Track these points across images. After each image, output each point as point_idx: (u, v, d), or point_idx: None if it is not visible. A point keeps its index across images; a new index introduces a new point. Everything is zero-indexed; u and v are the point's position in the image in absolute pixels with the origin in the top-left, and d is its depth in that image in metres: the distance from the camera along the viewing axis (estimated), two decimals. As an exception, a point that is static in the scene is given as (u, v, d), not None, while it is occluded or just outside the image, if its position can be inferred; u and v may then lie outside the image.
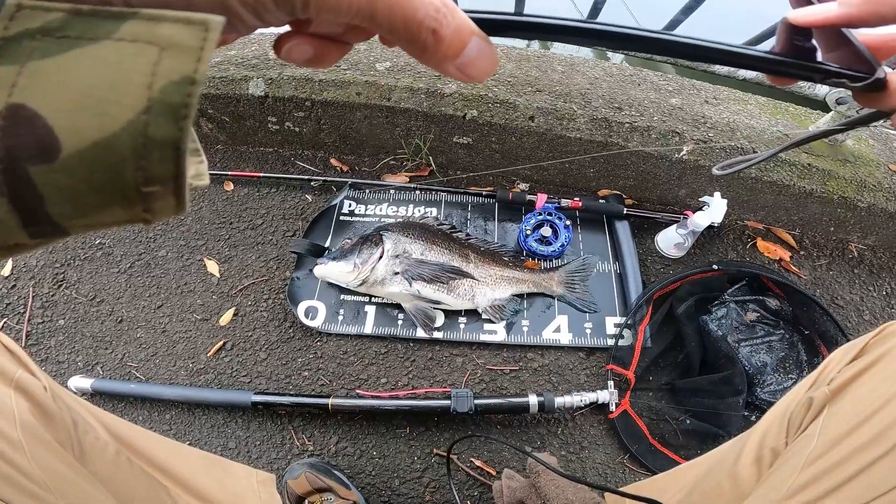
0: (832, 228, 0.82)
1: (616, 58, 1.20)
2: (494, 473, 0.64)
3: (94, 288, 0.84)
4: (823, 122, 0.80)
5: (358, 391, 0.69)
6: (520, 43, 0.95)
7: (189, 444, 0.66)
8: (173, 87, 0.11)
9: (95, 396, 0.75)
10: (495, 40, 0.17)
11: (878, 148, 0.83)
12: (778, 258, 0.79)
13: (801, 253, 0.82)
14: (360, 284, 0.70)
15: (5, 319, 0.86)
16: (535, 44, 1.07)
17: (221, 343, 0.75)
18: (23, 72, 0.11)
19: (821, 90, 0.75)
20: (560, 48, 1.22)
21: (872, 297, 0.81)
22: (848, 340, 0.64)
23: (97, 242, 0.89)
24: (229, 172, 0.85)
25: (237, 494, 0.52)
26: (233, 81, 0.85)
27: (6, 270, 0.93)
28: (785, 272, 0.79)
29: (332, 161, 0.86)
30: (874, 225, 0.81)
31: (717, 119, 0.79)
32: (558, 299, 0.73)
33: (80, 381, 0.72)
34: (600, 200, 0.79)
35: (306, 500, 0.62)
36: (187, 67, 0.11)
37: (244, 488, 0.54)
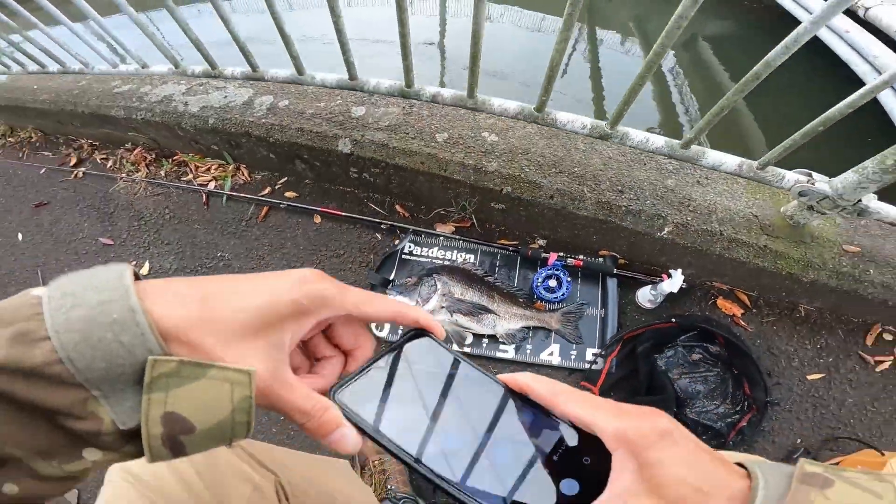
0: (784, 294, 1.19)
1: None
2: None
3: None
4: (791, 206, 1.15)
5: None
6: (564, 116, 1.31)
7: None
8: (242, 400, 0.24)
9: None
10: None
11: (842, 227, 1.16)
12: (731, 314, 1.18)
13: (753, 311, 1.19)
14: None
15: None
16: (566, 119, 1.41)
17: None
18: (168, 395, 0.22)
19: (787, 181, 1.10)
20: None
21: (806, 348, 1.18)
22: (761, 381, 1.06)
23: (219, 255, 1.37)
24: (319, 208, 1.28)
25: (352, 482, 0.76)
26: (326, 138, 1.25)
27: (144, 270, 1.43)
28: (734, 326, 1.19)
29: (397, 207, 1.27)
30: (819, 294, 1.17)
31: (701, 201, 1.14)
32: (555, 332, 1.14)
33: None
34: (599, 259, 1.18)
35: (371, 461, 1.10)
36: (245, 392, 0.24)
37: (352, 476, 0.80)
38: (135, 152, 1.69)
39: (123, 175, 1.64)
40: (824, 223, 1.11)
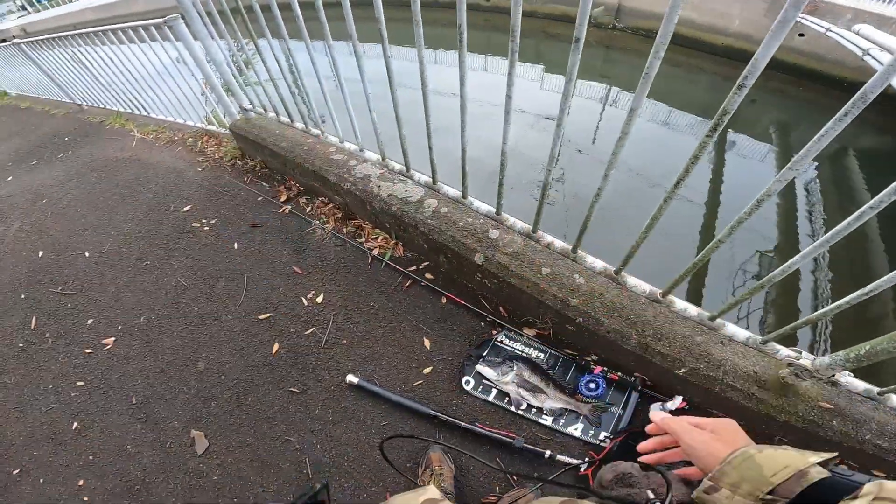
0: (762, 425, 1.67)
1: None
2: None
3: (366, 330, 2.10)
4: (785, 371, 1.66)
5: (476, 423, 1.82)
6: (632, 280, 1.94)
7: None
8: None
9: (356, 388, 1.97)
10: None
11: (826, 390, 1.63)
12: None
13: None
14: (496, 380, 1.83)
15: (314, 328, 2.17)
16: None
17: (420, 383, 1.94)
18: None
19: (781, 354, 1.63)
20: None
21: None
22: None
23: (371, 304, 2.15)
24: (447, 293, 2.03)
25: None
26: (468, 248, 1.97)
27: (320, 298, 2.25)
28: None
29: (500, 308, 1.98)
30: (790, 431, 1.64)
31: (717, 356, 1.66)
32: (583, 416, 1.76)
33: (352, 378, 1.96)
34: (631, 378, 1.78)
35: (434, 465, 1.76)
36: None
37: None
38: (328, 206, 2.58)
39: (317, 222, 2.53)
40: (811, 385, 1.62)
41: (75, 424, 2.09)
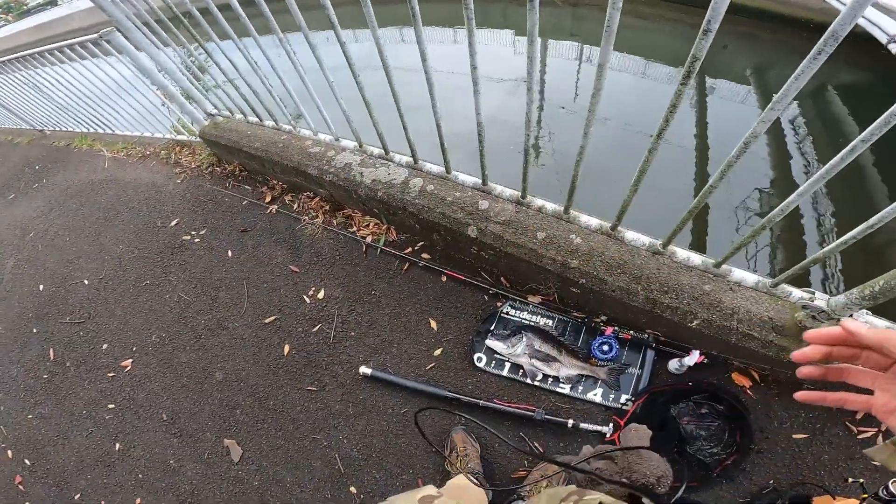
0: (788, 374, 1.69)
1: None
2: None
3: (371, 319, 2.11)
4: (801, 314, 1.65)
5: (494, 400, 1.84)
6: (630, 235, 1.90)
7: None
8: None
9: (370, 379, 2.00)
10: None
11: None
12: (742, 385, 1.70)
13: (762, 384, 1.68)
14: (507, 354, 1.84)
15: (320, 325, 2.19)
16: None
17: (432, 365, 1.95)
18: None
19: (794, 297, 1.62)
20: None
21: (799, 415, 1.61)
22: (751, 433, 1.58)
23: (372, 293, 2.15)
24: (446, 271, 2.02)
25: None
26: (459, 223, 1.96)
27: (321, 294, 2.26)
28: (743, 395, 1.71)
29: (502, 278, 1.96)
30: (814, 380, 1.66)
31: (728, 304, 1.67)
32: (601, 381, 1.77)
33: (365, 369, 1.98)
34: (644, 335, 1.78)
35: (458, 446, 1.79)
36: None
37: None
38: (314, 200, 2.55)
39: (306, 218, 2.50)
40: (829, 326, 1.62)
41: (118, 446, 2.23)
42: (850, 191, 4.78)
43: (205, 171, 3.12)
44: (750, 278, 1.64)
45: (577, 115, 6.12)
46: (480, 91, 1.50)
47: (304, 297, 2.26)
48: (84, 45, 2.73)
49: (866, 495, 1.17)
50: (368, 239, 2.30)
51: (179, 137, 3.40)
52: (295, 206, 2.61)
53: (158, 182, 3.26)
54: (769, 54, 7.83)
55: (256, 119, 2.72)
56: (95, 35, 2.48)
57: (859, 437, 1.59)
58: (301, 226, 2.51)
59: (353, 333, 2.08)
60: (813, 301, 1.48)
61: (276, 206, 2.66)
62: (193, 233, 2.79)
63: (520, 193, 1.89)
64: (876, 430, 1.59)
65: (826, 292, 1.52)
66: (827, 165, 0.99)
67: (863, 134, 0.87)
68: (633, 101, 6.37)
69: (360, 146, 2.27)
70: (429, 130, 1.82)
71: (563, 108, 6.36)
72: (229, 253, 2.60)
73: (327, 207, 2.50)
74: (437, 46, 9.34)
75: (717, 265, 1.64)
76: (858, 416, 1.62)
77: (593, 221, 1.82)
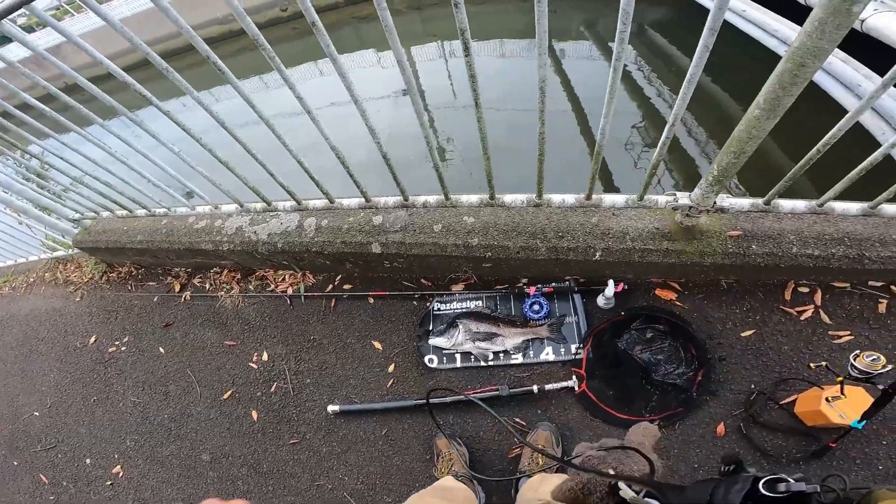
0: (701, 275, 1.89)
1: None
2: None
3: (320, 362, 2.20)
4: (678, 216, 1.83)
5: (460, 390, 1.98)
6: (508, 198, 2.04)
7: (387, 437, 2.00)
8: None
9: (342, 414, 2.11)
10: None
11: (724, 219, 1.84)
12: (669, 299, 1.89)
13: (685, 293, 1.88)
14: (452, 346, 1.97)
15: (276, 383, 2.27)
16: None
17: (392, 382, 2.07)
18: None
19: (661, 203, 1.80)
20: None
21: (735, 313, 1.82)
22: (702, 343, 1.77)
23: (312, 338, 2.24)
24: (370, 293, 2.13)
25: None
26: (361, 244, 2.06)
27: (265, 357, 2.33)
28: (673, 307, 1.90)
29: (422, 280, 2.09)
30: (725, 271, 1.86)
31: (616, 228, 1.81)
32: (546, 339, 1.93)
33: (333, 407, 2.08)
34: (564, 283, 1.95)
35: (443, 452, 1.91)
36: None
37: None
38: (223, 273, 2.59)
39: (222, 293, 2.55)
40: (710, 220, 1.80)
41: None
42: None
43: (99, 281, 3.09)
44: (619, 199, 1.82)
45: (453, 109, 7.13)
46: (317, 119, 1.61)
47: (250, 364, 2.34)
48: None
49: (841, 378, 1.35)
50: (289, 291, 2.37)
51: (57, 254, 3.32)
52: (207, 286, 2.64)
53: (57, 306, 3.20)
54: (591, 6, 8.91)
55: (125, 212, 2.71)
56: None
57: (801, 318, 1.76)
58: (220, 302, 2.55)
59: (308, 380, 2.18)
60: (678, 200, 1.66)
61: (188, 293, 2.68)
62: (117, 343, 2.80)
63: (402, 198, 1.99)
64: (811, 306, 1.77)
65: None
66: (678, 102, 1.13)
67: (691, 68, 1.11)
68: (502, 82, 7.21)
69: (242, 206, 2.32)
70: (295, 170, 1.89)
71: (434, 108, 7.35)
72: (161, 350, 2.62)
73: (238, 276, 2.55)
74: (306, 83, 9.85)
75: (588, 197, 1.81)
76: (788, 298, 1.79)
77: (474, 198, 1.96)
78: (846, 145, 1.42)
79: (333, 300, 2.28)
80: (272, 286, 2.44)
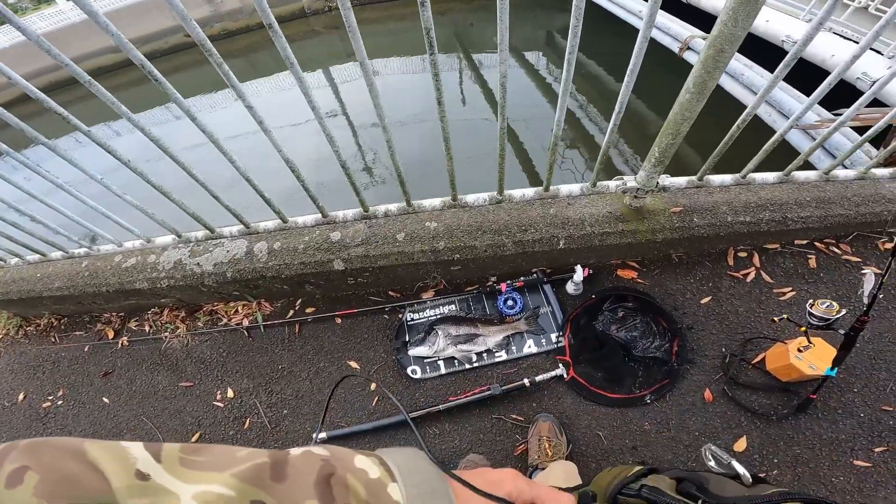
0: (655, 252, 2.04)
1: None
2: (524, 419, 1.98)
3: (294, 390, 2.14)
4: (627, 199, 1.96)
5: (450, 398, 2.01)
6: (471, 198, 2.07)
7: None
8: None
9: (331, 440, 2.06)
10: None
11: (666, 197, 2.00)
12: (630, 277, 2.03)
13: (644, 270, 2.03)
14: (434, 353, 1.99)
15: (249, 419, 2.18)
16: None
17: (376, 400, 2.05)
18: None
19: (611, 187, 1.92)
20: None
21: (690, 283, 2.01)
22: (670, 315, 1.92)
23: (280, 367, 2.16)
24: (336, 313, 2.08)
25: None
26: (323, 263, 2.01)
27: (230, 393, 2.22)
28: (635, 284, 2.04)
29: (390, 292, 2.08)
30: (675, 245, 2.02)
31: (574, 216, 1.91)
32: (526, 333, 2.00)
33: (321, 434, 2.04)
34: (532, 275, 2.02)
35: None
36: None
37: None
38: (164, 314, 2.43)
39: (167, 334, 2.39)
40: (654, 199, 1.95)
41: None
42: (609, 104, 7.10)
43: (16, 336, 2.79)
44: (574, 189, 1.94)
45: (400, 125, 7.85)
46: (270, 129, 1.54)
47: (214, 403, 2.22)
48: None
49: (804, 328, 1.49)
50: (245, 322, 2.27)
51: (-42, 313, 2.96)
52: (147, 329, 2.47)
53: (-31, 372, 2.86)
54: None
55: (37, 256, 2.46)
56: None
57: (747, 280, 1.97)
58: (166, 344, 2.39)
59: (285, 411, 2.11)
60: (627, 184, 1.79)
61: (125, 338, 2.49)
62: (51, 398, 2.55)
63: (362, 210, 1.97)
64: (752, 268, 1.99)
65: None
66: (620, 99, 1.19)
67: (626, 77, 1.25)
68: (419, 97, 8.35)
69: (180, 236, 2.18)
70: (252, 195, 1.80)
71: (374, 125, 7.70)
72: (105, 400, 2.42)
73: (183, 314, 2.40)
74: (211, 113, 10.16)
75: (546, 188, 1.90)
76: (731, 263, 2.00)
77: (436, 202, 1.98)
78: (751, 128, 1.64)
79: (297, 326, 2.22)
80: (224, 320, 2.32)
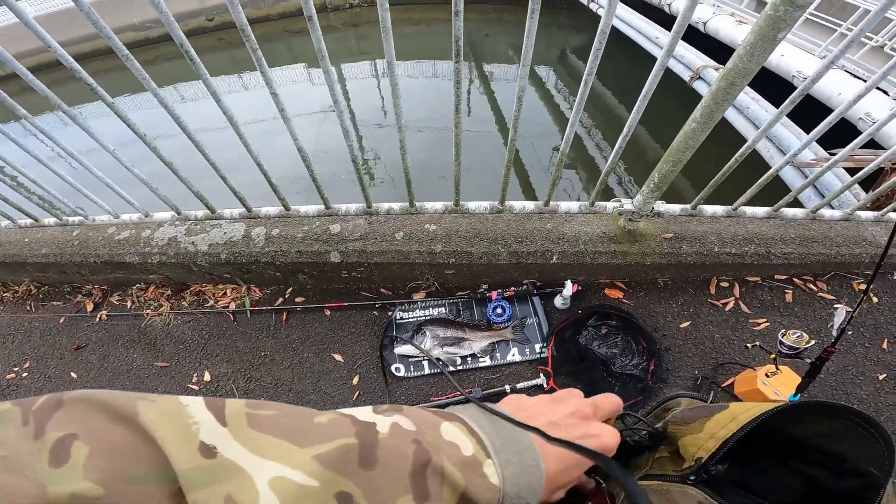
0: (642, 275, 2.15)
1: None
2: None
3: (274, 378, 2.17)
4: (622, 221, 2.09)
5: (431, 398, 2.06)
6: (472, 205, 2.17)
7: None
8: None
9: None
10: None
11: (659, 223, 2.12)
12: (617, 297, 2.14)
13: (630, 291, 2.15)
14: (420, 353, 2.05)
15: None
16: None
17: (357, 394, 2.09)
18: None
19: (609, 209, 2.04)
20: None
21: (672, 307, 2.13)
22: (650, 336, 2.02)
23: (262, 354, 2.20)
24: (326, 305, 2.14)
25: None
26: (320, 254, 2.08)
27: (207, 377, 2.24)
28: (621, 304, 2.15)
29: (382, 289, 2.15)
30: (662, 270, 2.14)
31: (569, 233, 2.03)
32: (510, 341, 2.08)
33: None
34: (523, 286, 2.12)
35: None
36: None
37: None
38: (150, 290, 2.45)
39: (149, 311, 2.41)
40: (647, 224, 2.07)
41: None
42: (609, 124, 7.48)
43: (-12, 302, 2.77)
44: (573, 206, 2.05)
45: (391, 127, 8.19)
46: (289, 117, 1.61)
47: (189, 385, 2.23)
48: None
49: (774, 355, 1.58)
50: (232, 306, 2.31)
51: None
52: (128, 304, 2.48)
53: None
54: (518, 33, 10.65)
55: (30, 220, 2.47)
56: None
57: (725, 308, 2.10)
58: (146, 321, 2.41)
59: (262, 398, 2.12)
60: (624, 206, 1.90)
61: (104, 312, 2.50)
62: (17, 369, 2.52)
63: (365, 205, 2.04)
64: (732, 298, 2.11)
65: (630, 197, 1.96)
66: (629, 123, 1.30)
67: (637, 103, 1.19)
68: (432, 99, 8.54)
69: (179, 213, 2.22)
70: (252, 181, 1.87)
71: (376, 124, 8.35)
72: (73, 375, 2.41)
73: (169, 292, 2.43)
74: (235, 95, 10.16)
75: (546, 203, 2.01)
76: (713, 292, 2.13)
77: (438, 205, 2.07)
78: (746, 161, 1.74)
79: (285, 314, 2.26)
80: (211, 301, 2.36)
